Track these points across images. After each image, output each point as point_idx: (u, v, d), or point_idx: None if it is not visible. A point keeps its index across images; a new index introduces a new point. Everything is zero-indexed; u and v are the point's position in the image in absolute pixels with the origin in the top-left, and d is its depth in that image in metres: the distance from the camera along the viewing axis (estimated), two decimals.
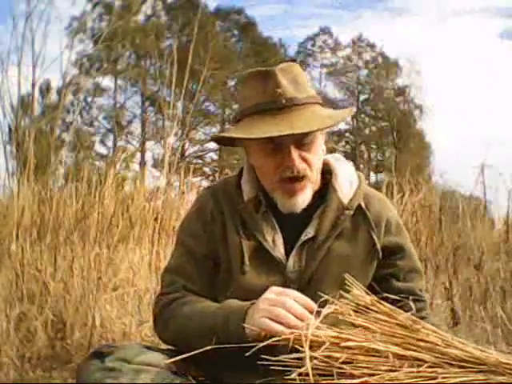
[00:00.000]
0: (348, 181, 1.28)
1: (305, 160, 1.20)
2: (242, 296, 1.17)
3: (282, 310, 1.02)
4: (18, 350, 2.23)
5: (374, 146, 25.84)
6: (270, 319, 1.02)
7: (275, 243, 1.24)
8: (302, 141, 1.19)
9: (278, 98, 1.17)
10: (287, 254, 1.24)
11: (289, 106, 1.17)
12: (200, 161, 23.13)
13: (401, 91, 25.68)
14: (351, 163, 1.34)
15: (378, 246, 1.24)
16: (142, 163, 17.48)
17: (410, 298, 1.20)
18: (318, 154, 1.24)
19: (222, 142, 1.33)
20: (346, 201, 1.25)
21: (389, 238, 1.27)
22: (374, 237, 1.24)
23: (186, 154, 21.58)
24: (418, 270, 1.30)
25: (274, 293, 1.08)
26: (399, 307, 1.04)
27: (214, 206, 1.29)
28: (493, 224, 4.08)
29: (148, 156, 20.18)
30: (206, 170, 22.14)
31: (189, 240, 1.29)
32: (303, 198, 1.22)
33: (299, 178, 1.20)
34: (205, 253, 1.27)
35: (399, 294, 1.20)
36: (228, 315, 1.10)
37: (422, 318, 1.09)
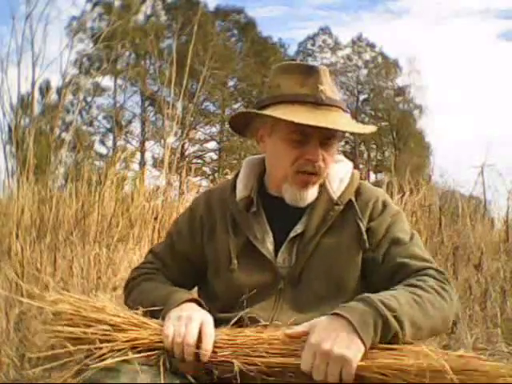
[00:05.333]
0: (338, 178, 1.29)
1: (324, 160, 1.22)
2: (234, 293, 1.21)
3: (180, 335, 1.07)
4: (18, 349, 2.23)
5: (373, 146, 25.84)
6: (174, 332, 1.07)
7: (264, 241, 1.25)
8: (327, 141, 1.22)
9: (318, 93, 1.20)
10: (277, 250, 1.25)
11: (327, 104, 1.20)
12: (200, 161, 23.14)
13: (401, 91, 25.69)
14: (350, 164, 1.34)
15: (365, 236, 1.23)
16: (142, 163, 17.50)
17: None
18: (333, 158, 1.27)
19: (236, 125, 1.33)
20: (335, 196, 1.26)
21: (372, 223, 1.25)
22: (361, 225, 1.24)
23: (186, 153, 21.58)
24: (400, 240, 1.24)
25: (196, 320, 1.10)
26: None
27: (204, 211, 1.33)
28: (493, 224, 4.08)
29: (148, 156, 20.23)
30: (206, 169, 22.15)
31: (175, 235, 1.38)
32: (312, 193, 1.24)
33: (315, 174, 1.22)
34: (185, 251, 1.34)
35: (393, 273, 1.20)
36: (166, 302, 1.17)
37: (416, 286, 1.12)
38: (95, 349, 1.05)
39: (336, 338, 0.98)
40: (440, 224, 3.47)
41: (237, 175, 1.34)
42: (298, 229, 1.25)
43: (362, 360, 0.98)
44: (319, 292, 1.21)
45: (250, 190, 1.29)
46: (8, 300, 2.52)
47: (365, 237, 1.23)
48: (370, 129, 1.32)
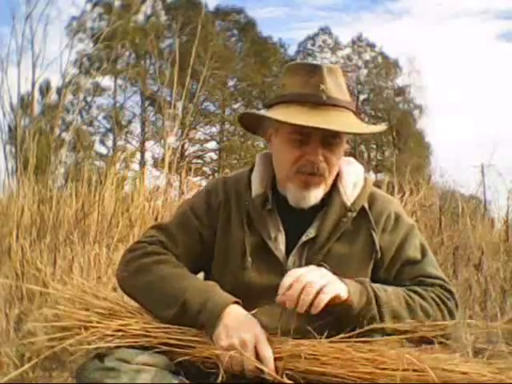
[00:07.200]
0: (352, 183, 1.28)
1: (327, 160, 1.21)
2: (240, 290, 1.18)
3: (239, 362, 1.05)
4: (18, 350, 2.23)
5: (373, 146, 25.82)
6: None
7: (277, 241, 1.24)
8: (329, 141, 1.20)
9: (319, 92, 1.18)
10: (288, 253, 1.24)
11: (328, 103, 1.18)
12: (200, 161, 23.12)
13: (401, 91, 25.67)
14: (360, 166, 1.33)
15: (377, 246, 1.24)
16: (142, 163, 17.48)
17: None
18: (339, 159, 1.25)
19: (248, 124, 1.33)
20: (348, 202, 1.25)
21: (384, 237, 1.26)
22: (374, 236, 1.24)
23: (186, 153, 21.57)
24: (411, 259, 1.27)
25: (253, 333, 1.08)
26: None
27: (223, 197, 1.30)
28: (493, 224, 4.07)
29: (148, 156, 20.20)
30: (206, 169, 22.14)
31: (189, 212, 1.31)
32: (315, 194, 1.22)
33: (316, 175, 1.21)
34: (199, 231, 1.28)
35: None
36: (207, 303, 1.12)
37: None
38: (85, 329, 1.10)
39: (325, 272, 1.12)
40: (440, 224, 3.46)
41: (251, 170, 1.32)
42: (310, 233, 1.24)
43: (343, 368, 1.02)
44: None
45: (265, 187, 1.27)
46: (8, 300, 2.52)
47: (377, 247, 1.24)
48: (371, 129, 1.29)
